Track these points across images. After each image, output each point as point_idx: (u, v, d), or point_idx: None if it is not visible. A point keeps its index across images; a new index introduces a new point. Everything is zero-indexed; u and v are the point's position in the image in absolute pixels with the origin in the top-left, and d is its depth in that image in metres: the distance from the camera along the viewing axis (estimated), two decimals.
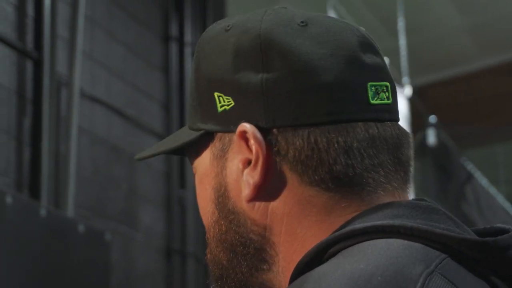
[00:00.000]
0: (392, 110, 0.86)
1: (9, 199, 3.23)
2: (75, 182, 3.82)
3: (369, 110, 0.84)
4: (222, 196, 0.87)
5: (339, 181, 0.82)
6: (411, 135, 0.89)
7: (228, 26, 0.89)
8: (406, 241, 0.75)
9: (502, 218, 7.61)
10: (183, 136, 0.93)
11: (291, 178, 0.83)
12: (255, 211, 0.85)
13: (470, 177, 7.03)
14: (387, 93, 0.86)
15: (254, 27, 0.86)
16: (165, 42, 4.78)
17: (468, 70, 7.83)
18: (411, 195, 0.86)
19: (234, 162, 0.86)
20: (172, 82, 4.75)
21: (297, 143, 0.82)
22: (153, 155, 0.96)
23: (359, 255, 0.73)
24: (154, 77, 4.65)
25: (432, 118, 6.42)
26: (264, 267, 0.86)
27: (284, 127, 0.83)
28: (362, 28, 0.89)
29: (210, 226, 0.90)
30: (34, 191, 3.63)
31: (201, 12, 5.05)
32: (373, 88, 0.84)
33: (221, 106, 0.86)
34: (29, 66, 3.74)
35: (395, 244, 0.74)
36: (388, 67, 0.89)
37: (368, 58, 0.85)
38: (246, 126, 0.84)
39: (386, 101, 0.85)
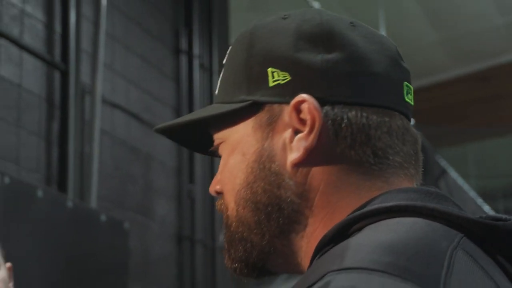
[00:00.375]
0: (412, 111, 0.88)
1: (40, 193, 3.24)
2: (98, 178, 3.83)
3: (403, 105, 0.85)
4: (265, 160, 0.84)
5: (378, 158, 0.81)
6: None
7: (284, 16, 0.88)
8: (427, 220, 0.73)
9: (472, 209, 7.61)
10: (215, 109, 0.89)
11: (338, 148, 0.81)
12: (297, 175, 0.82)
13: (443, 172, 7.04)
14: (411, 96, 0.87)
15: (314, 18, 0.86)
16: (176, 55, 4.78)
17: (442, 79, 7.84)
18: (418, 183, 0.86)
19: (283, 130, 0.84)
20: (182, 89, 4.75)
21: (351, 117, 0.81)
22: (175, 125, 0.93)
23: (388, 230, 0.71)
24: (167, 85, 4.65)
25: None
26: (295, 229, 0.83)
27: (338, 103, 0.82)
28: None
29: (241, 189, 0.86)
30: (62, 186, 3.63)
31: (207, 29, 5.05)
32: (406, 87, 0.86)
33: (275, 81, 0.84)
34: (57, 76, 3.74)
35: (419, 222, 0.73)
36: None
37: (403, 63, 0.88)
38: (304, 96, 0.82)
39: (411, 102, 0.87)
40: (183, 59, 4.80)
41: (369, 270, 0.64)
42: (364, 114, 0.82)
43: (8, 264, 1.87)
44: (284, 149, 0.83)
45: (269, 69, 0.85)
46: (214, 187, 0.93)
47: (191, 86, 4.81)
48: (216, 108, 0.89)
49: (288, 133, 0.83)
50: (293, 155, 0.82)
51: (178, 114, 4.68)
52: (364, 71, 0.83)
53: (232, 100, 0.87)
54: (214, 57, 5.05)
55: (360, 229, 0.74)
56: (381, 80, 0.83)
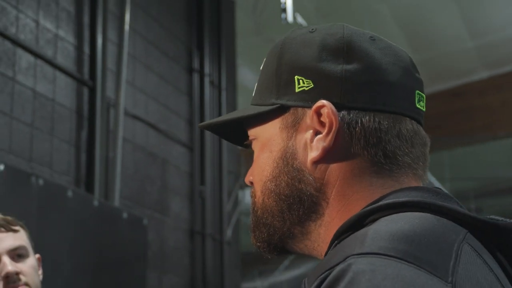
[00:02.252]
0: (423, 117, 0.86)
1: (69, 193, 3.23)
2: (120, 180, 3.82)
3: (414, 111, 0.84)
4: (289, 157, 0.84)
5: (389, 158, 0.80)
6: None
7: (312, 30, 0.87)
8: (436, 216, 0.72)
9: None
10: (250, 110, 0.89)
11: (352, 148, 0.81)
12: (316, 171, 0.82)
13: None
14: (423, 103, 0.86)
15: (338, 32, 0.85)
16: (189, 73, 4.78)
17: None
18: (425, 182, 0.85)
19: (305, 131, 0.83)
20: (194, 103, 4.74)
21: (364, 122, 0.80)
22: (217, 123, 0.93)
23: (402, 221, 0.70)
24: (181, 100, 4.64)
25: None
26: (314, 217, 0.82)
27: (354, 108, 0.81)
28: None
29: (267, 181, 0.86)
30: (89, 187, 3.62)
31: (216, 51, 5.05)
32: (418, 95, 0.84)
33: (300, 87, 0.84)
34: (85, 92, 3.73)
35: (429, 217, 0.72)
36: None
37: (416, 73, 0.86)
38: (324, 102, 0.81)
39: (422, 109, 0.86)
40: (196, 77, 4.80)
41: (387, 256, 0.64)
42: (377, 119, 0.81)
43: (37, 255, 1.86)
44: (306, 148, 0.83)
45: (296, 77, 0.84)
46: (248, 178, 0.93)
47: (202, 100, 4.80)
48: (250, 109, 0.89)
49: (309, 134, 0.83)
50: (313, 154, 0.82)
51: (191, 125, 4.68)
52: (379, 80, 0.82)
53: (264, 103, 0.87)
54: (223, 75, 5.05)
55: (374, 220, 0.74)
56: (395, 89, 0.82)
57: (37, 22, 3.45)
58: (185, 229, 4.48)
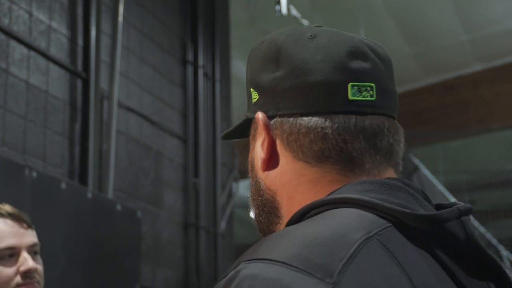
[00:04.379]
0: (376, 105, 0.82)
1: (63, 185, 3.22)
2: (114, 172, 3.81)
3: (349, 105, 0.81)
4: (253, 168, 0.88)
5: (319, 159, 0.81)
6: (397, 128, 0.85)
7: (263, 40, 0.89)
8: (362, 211, 0.73)
9: (440, 199, 7.62)
10: (237, 123, 0.95)
11: (288, 155, 0.83)
12: (268, 179, 0.85)
13: (416, 168, 7.03)
14: (371, 92, 0.82)
15: (275, 39, 0.86)
16: (183, 65, 4.77)
17: (414, 87, 7.84)
18: (389, 174, 0.82)
19: (257, 142, 0.87)
20: (188, 96, 4.74)
21: (288, 128, 0.82)
22: (228, 134, 0.97)
23: (319, 220, 0.73)
24: (175, 92, 4.63)
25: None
26: (277, 220, 0.85)
27: (285, 115, 0.82)
28: (368, 40, 0.87)
29: (251, 187, 0.91)
30: (83, 179, 3.62)
31: (210, 43, 5.04)
32: (355, 87, 0.81)
33: (254, 99, 0.87)
34: (79, 83, 3.72)
35: (352, 212, 0.73)
36: (387, 72, 0.86)
37: (354, 64, 0.82)
38: (258, 114, 0.84)
39: (369, 98, 0.82)
40: (189, 69, 4.79)
41: (272, 261, 0.66)
42: (304, 122, 0.81)
43: None
44: (257, 158, 0.86)
45: (251, 89, 0.87)
46: None
47: (196, 92, 4.80)
48: (238, 122, 0.94)
49: (258, 145, 0.86)
50: (259, 164, 0.86)
51: (184, 116, 4.67)
52: (304, 83, 0.81)
53: (245, 114, 0.91)
54: (216, 67, 5.04)
55: (311, 216, 0.76)
56: (320, 88, 0.81)
57: (30, 14, 3.44)
58: (179, 222, 4.48)
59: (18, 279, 1.68)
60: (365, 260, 0.67)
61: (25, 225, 1.77)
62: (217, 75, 5.02)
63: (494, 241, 9.46)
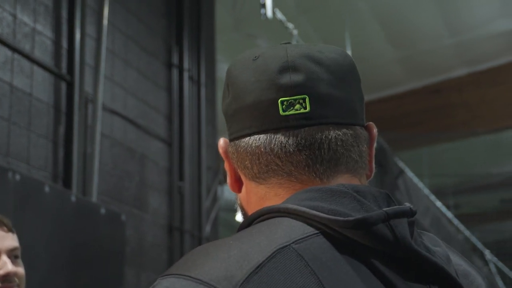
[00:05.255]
0: (312, 116, 0.81)
1: (47, 188, 3.22)
2: (98, 175, 3.81)
3: (281, 121, 0.81)
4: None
5: (262, 176, 0.83)
6: (347, 133, 0.82)
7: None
8: (292, 220, 0.75)
9: (425, 203, 7.66)
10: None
11: (241, 174, 0.86)
12: (241, 199, 0.88)
13: (401, 172, 7.06)
14: (304, 104, 0.81)
15: (230, 65, 0.88)
16: (168, 69, 4.77)
17: (400, 91, 7.88)
18: (341, 180, 0.81)
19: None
20: (174, 99, 4.74)
21: (236, 151, 0.84)
22: None
23: (248, 231, 0.76)
24: (160, 95, 4.64)
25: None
26: None
27: (233, 139, 0.85)
28: (315, 47, 0.85)
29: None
30: (67, 182, 3.61)
31: (196, 46, 5.05)
32: (284, 102, 0.81)
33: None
34: (63, 86, 3.72)
35: (281, 222, 0.75)
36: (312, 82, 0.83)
37: (285, 79, 0.81)
38: (220, 140, 0.88)
39: (302, 111, 0.81)
40: (175, 72, 4.79)
41: (182, 275, 0.70)
42: (243, 144, 0.83)
43: None
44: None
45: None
46: None
47: (181, 95, 4.80)
48: None
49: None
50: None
51: (169, 120, 4.68)
52: (241, 106, 0.83)
53: None
54: (202, 71, 5.05)
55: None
56: (252, 110, 0.82)
57: (14, 16, 3.43)
58: (164, 225, 4.49)
59: None
60: (274, 269, 0.69)
61: (5, 228, 1.77)
62: (203, 79, 5.03)
63: (479, 245, 9.51)
